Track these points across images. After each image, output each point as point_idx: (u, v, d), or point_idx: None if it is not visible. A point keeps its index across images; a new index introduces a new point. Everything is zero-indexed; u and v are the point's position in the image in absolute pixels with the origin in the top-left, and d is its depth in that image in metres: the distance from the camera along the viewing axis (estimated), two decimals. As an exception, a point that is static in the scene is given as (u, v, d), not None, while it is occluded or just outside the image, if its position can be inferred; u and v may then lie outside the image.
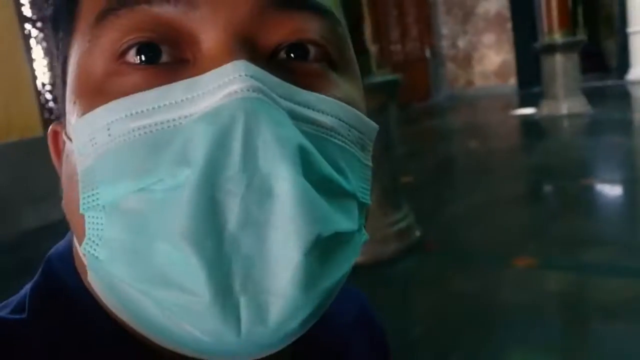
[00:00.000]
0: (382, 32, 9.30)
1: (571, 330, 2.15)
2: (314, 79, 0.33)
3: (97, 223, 0.30)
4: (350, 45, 0.37)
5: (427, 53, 10.46)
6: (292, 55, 0.32)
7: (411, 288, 2.64)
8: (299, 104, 0.31)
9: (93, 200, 0.30)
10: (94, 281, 0.31)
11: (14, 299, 0.37)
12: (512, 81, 10.20)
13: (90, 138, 0.30)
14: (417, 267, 2.83)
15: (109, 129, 0.30)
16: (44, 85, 4.69)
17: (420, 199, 3.83)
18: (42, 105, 4.64)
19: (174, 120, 0.29)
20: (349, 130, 0.33)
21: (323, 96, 0.32)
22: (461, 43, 10.61)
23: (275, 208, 0.27)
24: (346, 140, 0.33)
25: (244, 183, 0.27)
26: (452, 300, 2.42)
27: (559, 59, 6.54)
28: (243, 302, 0.27)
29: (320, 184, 0.29)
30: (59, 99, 0.36)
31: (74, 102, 0.32)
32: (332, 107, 0.32)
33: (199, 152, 0.27)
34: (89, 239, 0.30)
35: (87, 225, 0.30)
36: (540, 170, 4.69)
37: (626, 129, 5.77)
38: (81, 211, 0.30)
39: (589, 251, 2.80)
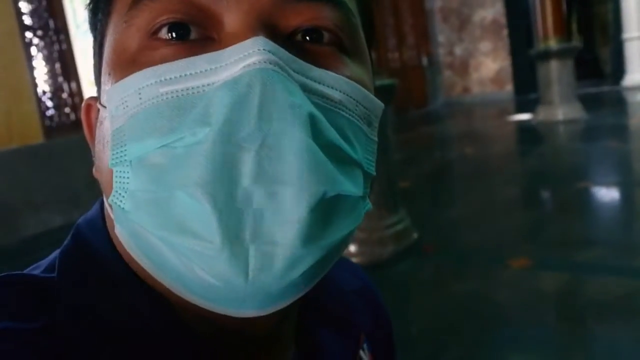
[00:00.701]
0: (380, 40, 9.37)
1: (565, 328, 2.18)
2: (326, 59, 0.36)
3: (124, 177, 0.33)
4: (362, 34, 0.40)
5: (424, 61, 10.54)
6: (307, 38, 0.36)
7: (408, 288, 2.67)
8: (310, 78, 0.34)
9: (121, 156, 0.33)
10: (119, 232, 0.34)
11: (44, 262, 0.40)
12: (509, 88, 10.28)
13: (123, 102, 0.33)
14: (414, 268, 2.87)
15: (140, 94, 0.33)
16: (44, 92, 4.74)
17: (417, 202, 3.87)
18: (43, 112, 4.69)
19: (198, 87, 0.32)
20: (356, 106, 0.35)
21: (333, 73, 0.35)
22: (458, 50, 10.70)
23: (285, 166, 0.30)
24: (353, 114, 0.35)
25: (259, 142, 0.30)
26: (448, 300, 2.46)
27: (554, 65, 6.61)
28: (252, 250, 0.30)
29: (328, 148, 0.32)
30: (95, 74, 0.40)
31: (109, 73, 0.36)
32: (341, 83, 0.35)
33: (219, 112, 0.30)
34: (116, 191, 0.33)
35: (114, 180, 0.33)
36: (536, 174, 4.74)
37: (621, 134, 5.83)
38: (110, 166, 0.33)
39: (582, 252, 2.84)
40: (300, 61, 0.34)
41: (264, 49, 0.32)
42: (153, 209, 0.31)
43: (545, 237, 3.15)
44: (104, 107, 0.36)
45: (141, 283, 0.37)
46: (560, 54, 6.58)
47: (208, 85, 0.32)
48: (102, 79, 0.37)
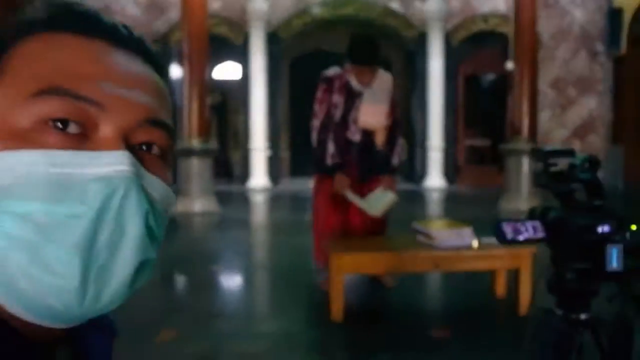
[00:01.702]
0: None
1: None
2: (154, 165, 0.50)
3: (2, 221, 0.43)
4: (174, 145, 0.55)
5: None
6: (144, 147, 0.50)
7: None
8: (146, 183, 0.48)
9: (3, 207, 0.43)
10: None
11: None
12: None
13: (11, 168, 0.43)
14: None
15: (30, 166, 0.43)
16: None
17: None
18: None
19: (79, 174, 0.44)
20: (164, 199, 0.51)
21: (157, 179, 0.50)
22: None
23: (125, 241, 0.46)
24: (162, 206, 0.51)
25: (114, 224, 0.45)
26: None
27: (195, 162, 7.33)
28: (91, 289, 0.44)
29: (150, 230, 0.48)
30: None
31: None
32: (160, 187, 0.50)
33: (94, 199, 0.44)
34: None
35: None
36: (176, 259, 5.16)
37: (245, 226, 6.81)
38: None
39: (219, 323, 3.29)
40: (144, 171, 0.48)
41: (127, 160, 0.46)
42: (29, 250, 0.43)
43: (185, 313, 3.53)
44: None
45: None
46: (201, 153, 7.37)
47: (87, 174, 0.44)
48: None
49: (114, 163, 0.45)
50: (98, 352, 0.57)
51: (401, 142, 3.81)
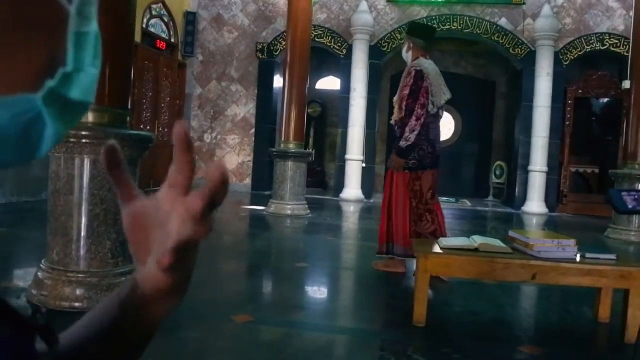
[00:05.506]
0: (134, 110, 9.38)
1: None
2: None
3: None
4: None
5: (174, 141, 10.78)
6: None
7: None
8: None
9: None
10: None
11: None
12: (247, 181, 11.06)
13: None
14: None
15: None
16: None
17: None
18: None
19: None
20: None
21: None
22: (207, 138, 11.24)
23: None
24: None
25: None
26: (180, 344, 2.57)
27: (290, 165, 7.47)
28: None
29: None
30: None
31: None
32: None
33: None
34: None
35: None
36: (262, 253, 5.23)
37: (334, 231, 6.78)
38: None
39: (295, 313, 3.25)
40: None
41: None
42: None
43: (266, 300, 3.52)
44: None
45: None
46: (296, 156, 7.50)
47: None
48: None
49: None
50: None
51: (411, 126, 3.98)
